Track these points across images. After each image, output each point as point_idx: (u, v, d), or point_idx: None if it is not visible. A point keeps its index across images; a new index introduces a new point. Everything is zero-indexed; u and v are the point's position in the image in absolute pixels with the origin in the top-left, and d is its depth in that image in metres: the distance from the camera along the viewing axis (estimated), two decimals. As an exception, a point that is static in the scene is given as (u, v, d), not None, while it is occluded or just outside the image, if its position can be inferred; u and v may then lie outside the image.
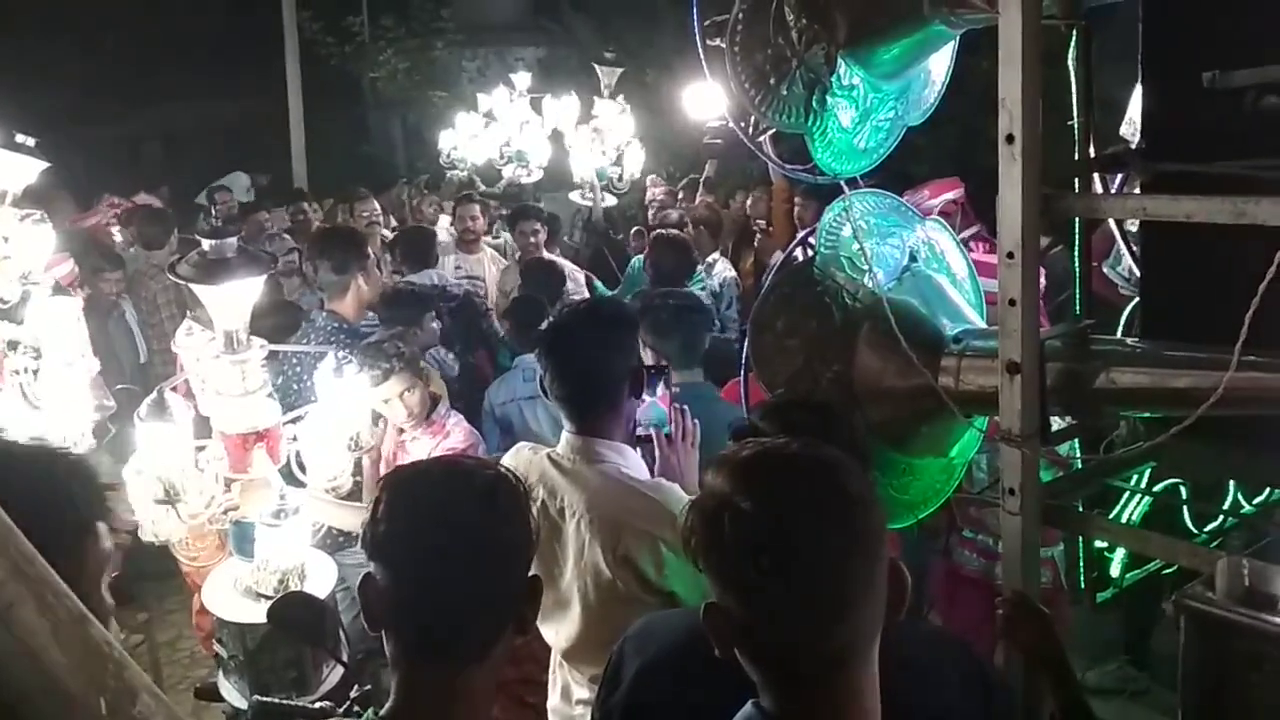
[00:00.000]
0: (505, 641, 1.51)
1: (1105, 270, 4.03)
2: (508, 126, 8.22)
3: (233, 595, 2.74)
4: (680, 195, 8.67)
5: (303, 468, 2.82)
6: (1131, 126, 2.93)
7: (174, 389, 2.62)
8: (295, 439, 2.78)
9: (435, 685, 1.47)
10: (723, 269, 6.53)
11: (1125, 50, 2.45)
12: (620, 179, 7.54)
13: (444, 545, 1.45)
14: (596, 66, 7.55)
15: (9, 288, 2.78)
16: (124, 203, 8.32)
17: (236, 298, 2.52)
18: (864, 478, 1.32)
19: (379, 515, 1.48)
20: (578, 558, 2.43)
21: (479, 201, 7.45)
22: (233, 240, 2.51)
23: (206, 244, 2.48)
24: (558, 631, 2.54)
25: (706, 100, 6.29)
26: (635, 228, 8.26)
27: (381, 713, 1.49)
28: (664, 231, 6.31)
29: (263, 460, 2.58)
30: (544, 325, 2.69)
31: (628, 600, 2.34)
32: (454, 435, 3.86)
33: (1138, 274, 2.68)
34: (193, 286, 2.50)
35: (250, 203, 9.82)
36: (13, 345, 2.77)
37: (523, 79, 8.55)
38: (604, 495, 2.43)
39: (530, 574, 1.53)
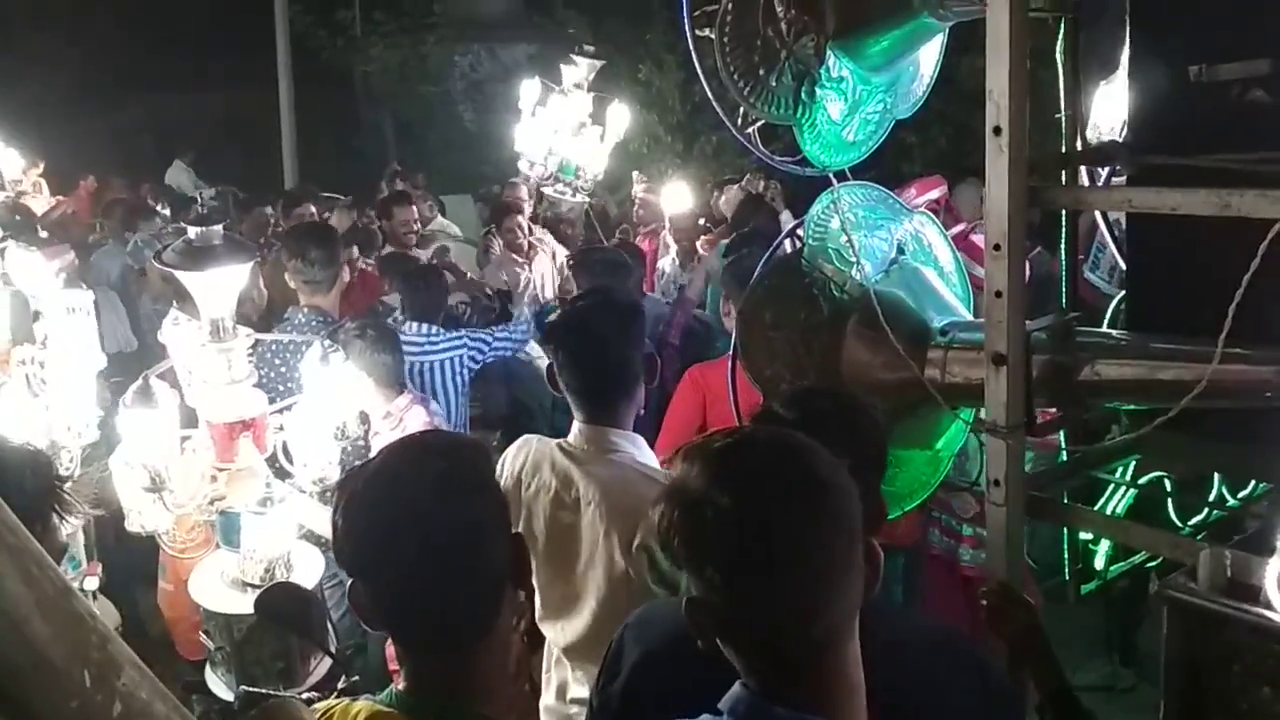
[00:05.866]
0: (506, 608, 1.50)
1: (1086, 273, 4.04)
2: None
3: (219, 586, 2.72)
4: None
5: (289, 458, 2.81)
6: (1096, 131, 2.93)
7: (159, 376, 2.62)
8: (282, 429, 2.77)
9: (441, 673, 1.48)
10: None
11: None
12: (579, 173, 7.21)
13: (409, 548, 1.42)
14: (575, 59, 7.19)
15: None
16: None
17: (222, 285, 2.51)
18: (834, 460, 1.32)
19: (339, 529, 1.46)
20: (592, 548, 2.42)
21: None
22: (218, 228, 2.52)
23: (193, 231, 2.48)
24: (563, 628, 2.51)
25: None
26: (622, 225, 8.21)
27: (400, 688, 1.50)
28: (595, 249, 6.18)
29: (249, 450, 2.57)
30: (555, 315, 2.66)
31: (642, 591, 2.34)
32: (410, 424, 3.73)
33: (1120, 271, 2.69)
34: (178, 274, 2.50)
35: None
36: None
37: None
38: (620, 485, 2.41)
39: (513, 532, 1.52)
